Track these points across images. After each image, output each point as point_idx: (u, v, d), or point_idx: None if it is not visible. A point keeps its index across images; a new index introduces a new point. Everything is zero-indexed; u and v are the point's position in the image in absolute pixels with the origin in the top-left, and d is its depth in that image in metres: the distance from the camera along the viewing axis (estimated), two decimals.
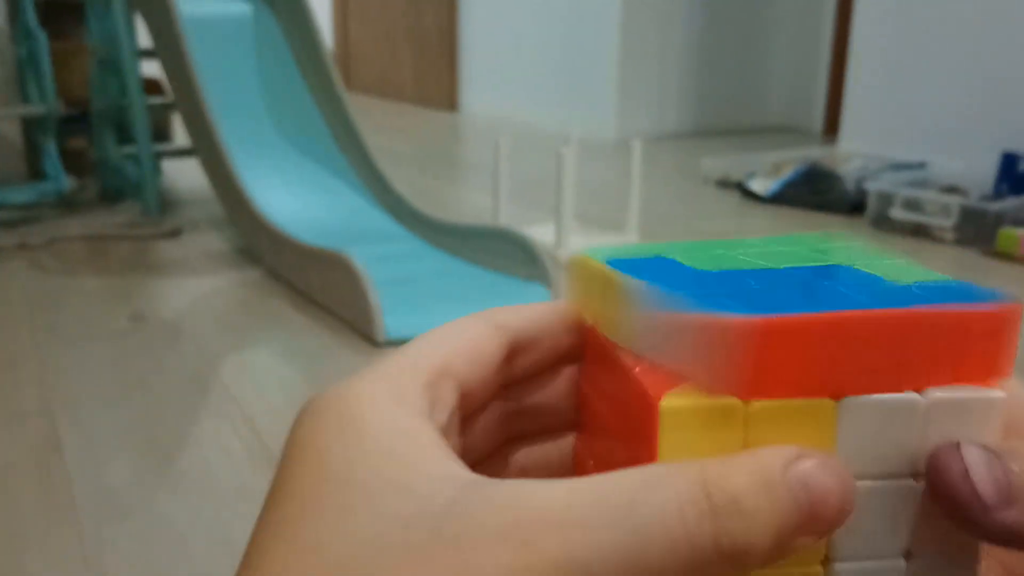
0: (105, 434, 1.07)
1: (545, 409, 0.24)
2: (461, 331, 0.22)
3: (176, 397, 1.18)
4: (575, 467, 0.24)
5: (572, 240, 1.80)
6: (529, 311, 0.23)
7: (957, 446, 0.18)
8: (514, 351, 0.22)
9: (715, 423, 0.18)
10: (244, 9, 2.12)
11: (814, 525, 0.17)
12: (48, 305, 1.54)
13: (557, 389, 0.24)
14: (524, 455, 0.24)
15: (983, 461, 0.18)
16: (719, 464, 0.17)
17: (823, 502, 0.17)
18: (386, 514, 0.17)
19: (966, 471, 0.18)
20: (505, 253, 1.63)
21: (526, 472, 0.24)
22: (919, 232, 2.05)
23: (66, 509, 0.91)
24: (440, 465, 0.18)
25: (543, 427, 0.24)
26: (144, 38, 2.07)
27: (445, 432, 0.20)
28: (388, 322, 1.36)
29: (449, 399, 0.20)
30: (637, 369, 0.19)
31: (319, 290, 1.51)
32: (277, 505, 0.18)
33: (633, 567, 0.16)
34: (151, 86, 2.20)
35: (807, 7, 4.01)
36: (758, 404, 0.18)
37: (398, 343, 1.33)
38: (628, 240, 1.88)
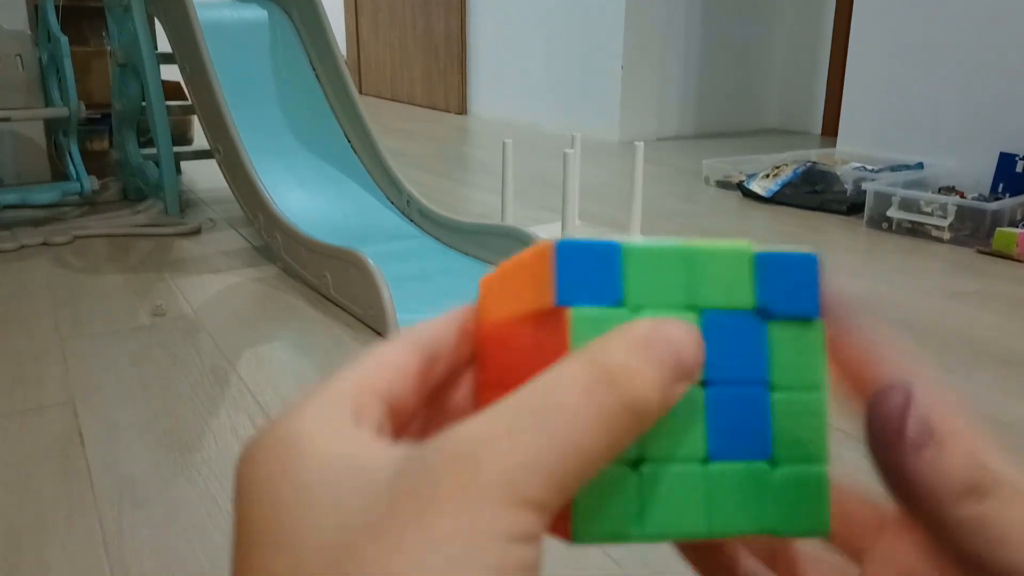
0: (125, 425, 1.08)
1: (461, 409, 0.26)
2: (381, 353, 0.23)
3: (194, 389, 1.19)
4: None
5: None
6: (437, 324, 0.25)
7: (910, 388, 0.21)
8: (429, 364, 0.24)
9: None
10: (261, 15, 2.13)
11: (683, 371, 0.19)
12: (71, 301, 1.55)
13: (467, 389, 0.26)
14: None
15: (920, 410, 0.20)
16: (600, 343, 0.19)
17: (684, 350, 0.20)
18: (343, 499, 0.18)
19: (908, 403, 0.21)
20: (512, 252, 1.59)
21: None
22: (916, 231, 2.06)
23: (86, 498, 0.92)
24: (377, 449, 0.19)
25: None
26: (163, 42, 2.08)
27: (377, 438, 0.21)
28: (400, 318, 1.37)
29: (376, 410, 0.21)
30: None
31: (333, 286, 1.53)
32: (246, 530, 0.19)
33: (562, 451, 0.18)
34: (171, 89, 2.22)
35: (807, 11, 4.01)
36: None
37: None
38: (632, 239, 1.91)
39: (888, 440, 0.20)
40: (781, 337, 0.22)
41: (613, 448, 0.19)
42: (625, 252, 0.22)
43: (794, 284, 0.22)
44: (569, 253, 0.21)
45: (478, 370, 0.27)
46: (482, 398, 0.26)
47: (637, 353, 0.19)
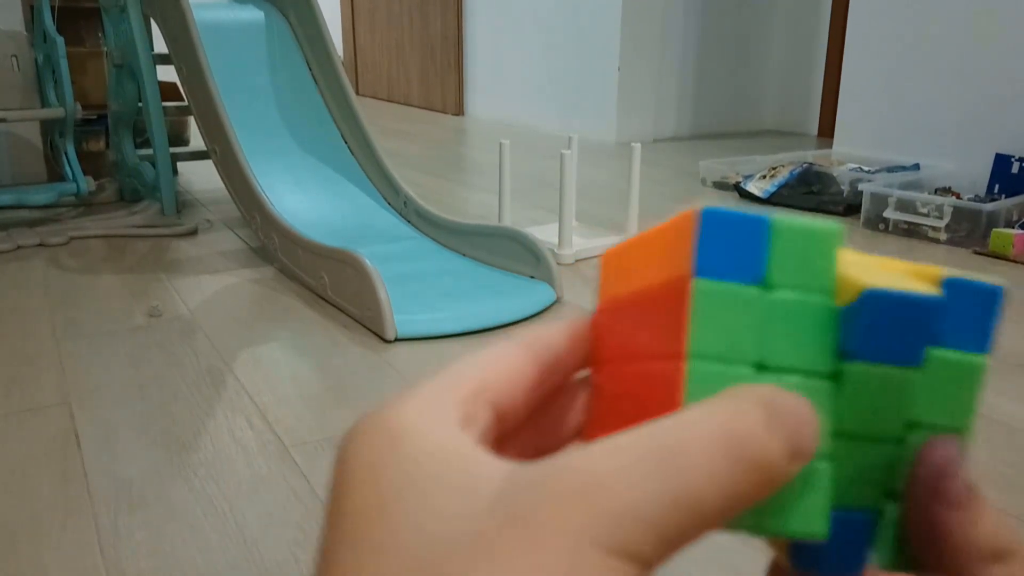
0: (121, 426, 1.08)
1: (563, 422, 0.25)
2: (497, 355, 0.22)
3: (191, 390, 1.19)
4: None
5: (573, 240, 1.83)
6: (555, 331, 0.24)
7: (955, 442, 0.20)
8: (546, 373, 0.23)
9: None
10: (257, 15, 2.13)
11: (803, 448, 0.19)
12: (67, 302, 1.55)
13: (570, 403, 0.25)
14: None
15: (964, 467, 0.20)
16: (734, 396, 0.19)
17: (806, 426, 0.19)
18: (447, 510, 0.17)
19: (952, 459, 0.20)
20: (510, 252, 1.65)
21: None
22: (912, 232, 2.06)
23: (82, 500, 0.92)
24: (483, 460, 0.19)
25: (560, 438, 0.25)
26: (160, 43, 2.08)
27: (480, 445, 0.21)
28: (397, 318, 1.37)
29: (483, 417, 0.21)
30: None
31: (330, 287, 1.53)
32: (341, 519, 0.19)
33: (676, 503, 0.17)
34: (167, 90, 2.21)
35: (803, 13, 4.02)
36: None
37: (407, 340, 1.36)
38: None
39: (931, 492, 0.20)
40: (938, 368, 0.20)
41: (731, 508, 0.17)
42: (775, 227, 0.20)
43: (970, 316, 0.21)
44: (715, 221, 0.20)
45: (592, 350, 0.25)
46: (595, 381, 0.25)
47: (771, 417, 0.18)
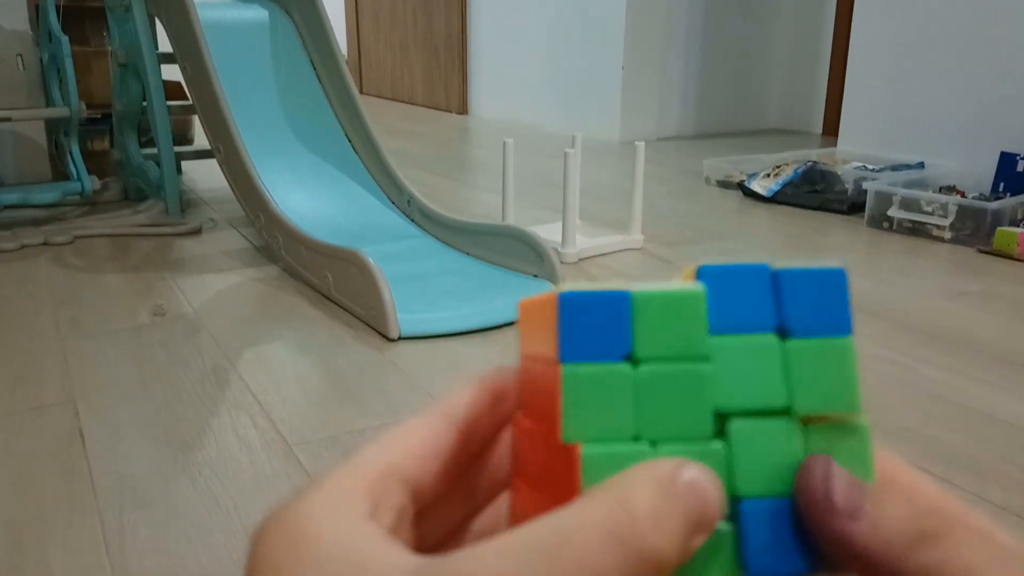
0: (126, 425, 1.08)
1: (495, 475, 0.25)
2: (408, 430, 0.23)
3: (195, 389, 1.19)
4: (511, 520, 0.24)
5: (577, 239, 1.83)
6: (471, 393, 0.24)
7: (828, 458, 0.20)
8: (466, 438, 0.23)
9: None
10: (261, 14, 2.14)
11: (705, 522, 0.18)
12: (71, 300, 1.55)
13: (500, 453, 0.25)
14: (481, 521, 0.26)
15: (844, 476, 0.20)
16: (625, 482, 0.18)
17: (708, 500, 0.19)
18: None
19: (828, 475, 0.20)
20: (513, 251, 1.65)
21: (482, 536, 0.23)
22: (917, 231, 2.06)
23: (87, 498, 0.92)
24: (384, 557, 0.19)
25: (495, 491, 0.25)
26: (164, 42, 2.08)
27: (394, 529, 0.21)
28: (401, 317, 1.38)
29: (395, 499, 0.21)
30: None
31: (334, 286, 1.53)
32: None
33: None
34: (172, 89, 2.22)
35: (807, 11, 4.01)
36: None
37: (410, 338, 1.36)
38: (633, 238, 1.91)
39: (822, 515, 0.20)
40: (807, 358, 0.21)
41: None
42: (636, 301, 0.20)
43: (822, 301, 0.21)
44: (574, 304, 0.20)
45: (520, 397, 0.25)
46: (518, 435, 0.25)
47: (664, 500, 0.18)
